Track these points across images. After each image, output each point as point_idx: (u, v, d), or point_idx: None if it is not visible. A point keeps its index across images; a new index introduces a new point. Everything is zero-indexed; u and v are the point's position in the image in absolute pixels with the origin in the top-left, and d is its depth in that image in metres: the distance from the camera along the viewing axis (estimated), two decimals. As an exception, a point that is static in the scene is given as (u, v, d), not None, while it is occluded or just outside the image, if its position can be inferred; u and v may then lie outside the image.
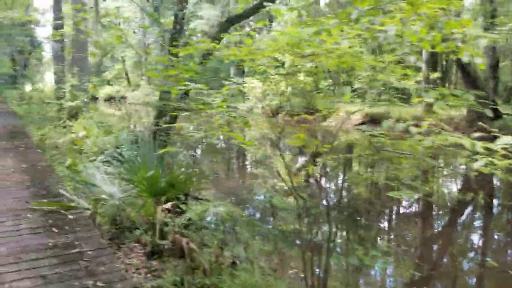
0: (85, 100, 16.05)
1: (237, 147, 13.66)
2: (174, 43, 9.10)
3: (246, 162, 13.80)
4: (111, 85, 48.86)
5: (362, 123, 22.59)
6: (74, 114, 15.38)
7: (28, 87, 40.38)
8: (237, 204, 7.38)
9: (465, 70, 17.50)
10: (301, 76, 13.67)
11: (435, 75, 20.65)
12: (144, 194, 4.87)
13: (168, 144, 8.51)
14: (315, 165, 4.95)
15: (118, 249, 5.08)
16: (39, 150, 9.10)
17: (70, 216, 4.48)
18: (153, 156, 5.65)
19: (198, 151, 14.82)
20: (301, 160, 12.66)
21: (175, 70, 4.27)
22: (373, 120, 22.25)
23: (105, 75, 50.63)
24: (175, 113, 9.19)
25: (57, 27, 16.06)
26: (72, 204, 4.74)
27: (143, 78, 47.17)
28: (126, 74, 50.30)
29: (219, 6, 36.28)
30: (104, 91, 44.85)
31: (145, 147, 5.92)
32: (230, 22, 9.90)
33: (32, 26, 36.75)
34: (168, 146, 7.03)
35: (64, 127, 14.46)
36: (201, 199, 6.47)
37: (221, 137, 12.31)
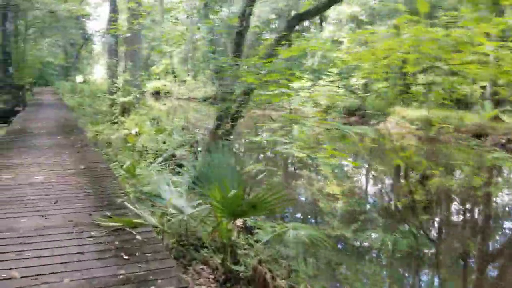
0: (137, 95, 15.81)
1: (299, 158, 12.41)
2: (240, 40, 8.48)
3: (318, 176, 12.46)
4: (158, 79, 49.27)
5: (419, 128, 21.38)
6: (126, 110, 15.13)
7: (78, 79, 41.27)
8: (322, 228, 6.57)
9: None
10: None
11: None
12: (220, 215, 4.21)
13: (225, 147, 7.89)
14: (423, 188, 4.14)
15: (185, 271, 4.47)
16: (95, 149, 8.68)
17: (139, 237, 3.88)
18: (227, 167, 5.00)
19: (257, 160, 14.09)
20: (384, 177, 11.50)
21: (274, 76, 3.55)
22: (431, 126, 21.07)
23: (153, 69, 51.11)
24: (237, 116, 8.57)
25: (112, 21, 15.86)
26: (139, 221, 4.14)
27: (189, 73, 47.30)
28: (173, 69, 50.64)
29: (270, 2, 35.53)
30: (151, 85, 45.26)
31: (217, 155, 5.27)
32: (298, 19, 9.15)
33: (84, 19, 37.42)
34: (227, 152, 6.37)
35: (116, 122, 14.21)
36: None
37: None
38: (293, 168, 12.78)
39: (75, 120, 14.73)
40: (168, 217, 4.78)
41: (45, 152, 8.00)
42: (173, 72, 50.38)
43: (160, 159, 7.75)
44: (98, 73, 48.00)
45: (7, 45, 17.07)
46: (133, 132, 12.25)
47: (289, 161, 12.99)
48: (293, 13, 37.91)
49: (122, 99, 14.50)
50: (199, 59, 44.50)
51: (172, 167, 7.95)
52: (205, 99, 38.24)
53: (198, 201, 4.81)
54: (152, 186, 5.95)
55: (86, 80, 39.17)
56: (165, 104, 37.58)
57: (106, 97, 17.49)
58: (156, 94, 43.28)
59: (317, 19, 34.85)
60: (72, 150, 8.33)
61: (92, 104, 19.97)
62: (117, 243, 3.74)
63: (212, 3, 32.01)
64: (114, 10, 15.80)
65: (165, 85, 46.28)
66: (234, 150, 7.61)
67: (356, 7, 27.36)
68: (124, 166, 6.97)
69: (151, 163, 8.09)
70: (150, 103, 30.02)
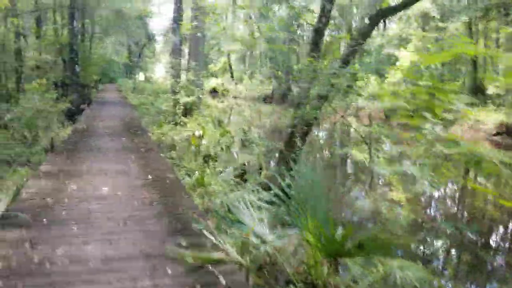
0: (200, 95, 15.44)
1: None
2: (317, 39, 7.67)
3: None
4: (216, 77, 49.40)
5: (497, 134, 19.62)
6: (188, 110, 14.79)
7: (140, 78, 42.16)
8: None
9: None
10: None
11: None
12: (318, 253, 3.46)
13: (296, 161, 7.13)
14: None
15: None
16: (161, 153, 8.22)
17: (222, 280, 3.20)
18: (318, 188, 4.22)
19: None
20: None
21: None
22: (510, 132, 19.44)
23: (211, 68, 51.35)
24: (311, 122, 7.75)
25: (176, 20, 15.57)
26: (221, 257, 3.47)
27: (247, 72, 47.01)
28: (230, 68, 50.56)
29: None
30: (209, 83, 45.44)
31: (304, 172, 4.50)
32: (381, 16, 8.19)
33: (147, 18, 38.02)
34: (313, 169, 5.60)
35: (178, 123, 13.88)
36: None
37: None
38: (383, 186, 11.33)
39: (138, 119, 14.57)
40: (251, 249, 4.09)
41: (110, 157, 7.63)
42: (231, 71, 50.30)
43: (229, 168, 7.12)
44: (159, 72, 48.89)
45: (74, 43, 17.30)
46: (196, 134, 11.78)
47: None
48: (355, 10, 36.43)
49: (185, 99, 14.14)
50: (257, 57, 44.15)
51: (241, 179, 7.30)
52: (264, 99, 37.88)
53: (286, 232, 4.06)
54: (222, 199, 5.32)
55: (148, 79, 39.86)
56: (222, 102, 37.46)
57: (169, 96, 17.28)
58: (213, 92, 43.36)
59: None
60: (138, 155, 7.91)
61: (154, 103, 19.91)
62: (198, 286, 3.08)
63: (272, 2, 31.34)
64: (179, 8, 15.52)
65: (222, 84, 46.31)
66: (318, 165, 6.83)
67: (428, 3, 25.61)
68: (193, 177, 6.40)
69: (220, 172, 7.49)
70: (209, 102, 29.86)
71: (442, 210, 9.43)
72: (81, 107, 17.87)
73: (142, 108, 19.01)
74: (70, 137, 10.44)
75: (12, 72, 18.92)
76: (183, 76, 15.62)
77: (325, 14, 7.59)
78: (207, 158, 10.05)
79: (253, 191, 5.62)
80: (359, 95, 9.58)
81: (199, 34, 13.60)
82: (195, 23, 14.20)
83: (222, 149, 11.07)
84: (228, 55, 50.08)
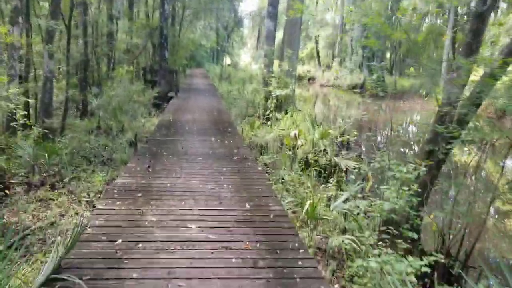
0: (294, 88, 13.86)
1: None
2: (479, 26, 5.65)
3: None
4: (302, 64, 47.43)
5: None
6: (280, 105, 13.28)
7: (227, 62, 41.50)
8: None
9: None
10: None
11: None
12: None
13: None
14: None
15: None
16: (258, 166, 6.77)
17: None
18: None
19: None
20: None
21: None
22: None
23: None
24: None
25: (273, 3, 14.02)
26: None
27: (335, 59, 44.39)
28: (318, 54, 48.18)
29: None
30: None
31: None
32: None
33: (236, 1, 37.00)
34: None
35: (270, 118, 12.43)
36: None
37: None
38: None
39: (227, 112, 13.39)
40: None
41: (197, 168, 6.32)
42: (318, 57, 48.04)
43: (346, 194, 5.44)
44: (245, 58, 48.03)
45: (164, 27, 16.51)
46: (292, 134, 10.23)
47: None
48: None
49: (279, 92, 12.63)
50: (347, 44, 41.40)
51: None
52: (353, 88, 35.35)
53: None
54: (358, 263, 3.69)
55: (234, 64, 39.06)
56: (308, 90, 35.65)
57: (258, 88, 15.91)
58: (298, 80, 41.53)
59: None
60: (230, 166, 6.52)
61: (242, 92, 18.70)
62: None
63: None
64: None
65: (309, 71, 44.32)
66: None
67: None
68: (304, 210, 4.85)
69: (334, 196, 5.85)
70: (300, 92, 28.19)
71: None
72: (168, 94, 17.15)
73: (230, 98, 17.90)
74: (155, 132, 9.42)
75: (103, 56, 18.74)
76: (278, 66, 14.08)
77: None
78: (304, 164, 8.48)
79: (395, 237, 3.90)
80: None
81: (298, 15, 11.85)
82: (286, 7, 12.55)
83: (322, 153, 9.42)
84: (316, 41, 47.82)
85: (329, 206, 5.51)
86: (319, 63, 47.64)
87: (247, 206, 4.75)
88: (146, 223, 4.16)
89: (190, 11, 27.11)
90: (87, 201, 6.07)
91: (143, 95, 14.88)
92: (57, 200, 6.03)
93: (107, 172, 7.36)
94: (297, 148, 9.86)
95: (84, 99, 13.11)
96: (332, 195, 6.05)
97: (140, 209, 4.49)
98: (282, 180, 7.30)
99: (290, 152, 9.28)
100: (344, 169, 8.70)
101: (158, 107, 14.48)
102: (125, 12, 19.55)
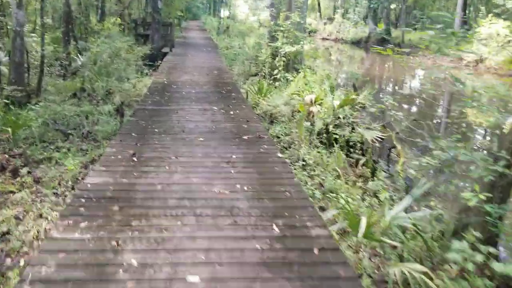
0: (304, 44, 12.17)
1: None
2: None
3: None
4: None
5: None
6: (289, 63, 11.64)
7: (224, 14, 39.00)
8: None
9: None
10: None
11: None
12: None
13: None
14: None
15: None
16: (278, 153, 5.31)
17: None
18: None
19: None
20: None
21: None
22: None
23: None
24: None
25: None
26: None
27: (338, 11, 41.82)
28: (319, 5, 45.48)
29: None
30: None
31: None
32: None
33: None
34: None
35: (278, 79, 10.85)
36: None
37: None
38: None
39: (228, 71, 11.78)
40: None
41: (199, 156, 4.83)
42: (319, 9, 45.41)
43: (406, 200, 3.97)
44: (243, 8, 45.30)
45: (157, -26, 14.56)
46: (307, 99, 8.69)
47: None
48: None
49: (288, 49, 11.00)
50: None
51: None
52: (358, 42, 33.33)
53: None
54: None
55: (232, 16, 36.61)
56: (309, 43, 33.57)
57: (262, 42, 14.16)
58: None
59: None
60: (241, 150, 5.07)
61: (242, 47, 16.93)
62: None
63: None
64: None
65: (310, 24, 41.85)
66: None
67: None
68: (360, 231, 3.44)
69: (392, 205, 4.36)
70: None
71: None
72: (162, 50, 15.40)
73: (231, 54, 16.17)
74: (145, 98, 7.90)
75: (91, 6, 16.80)
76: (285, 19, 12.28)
77: None
78: (325, 137, 7.06)
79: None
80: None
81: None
82: None
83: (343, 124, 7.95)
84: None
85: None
86: (320, 15, 45.10)
87: (275, 229, 3.30)
88: (121, 272, 2.68)
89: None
90: (55, 193, 4.66)
91: (133, 51, 13.16)
92: (17, 192, 4.62)
93: (85, 152, 5.91)
94: (313, 116, 8.36)
95: (68, 56, 11.45)
96: (378, 190, 4.64)
97: (115, 239, 3.03)
98: (303, 163, 5.91)
99: (308, 123, 7.80)
100: (371, 142, 7.26)
101: (152, 65, 12.82)
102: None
